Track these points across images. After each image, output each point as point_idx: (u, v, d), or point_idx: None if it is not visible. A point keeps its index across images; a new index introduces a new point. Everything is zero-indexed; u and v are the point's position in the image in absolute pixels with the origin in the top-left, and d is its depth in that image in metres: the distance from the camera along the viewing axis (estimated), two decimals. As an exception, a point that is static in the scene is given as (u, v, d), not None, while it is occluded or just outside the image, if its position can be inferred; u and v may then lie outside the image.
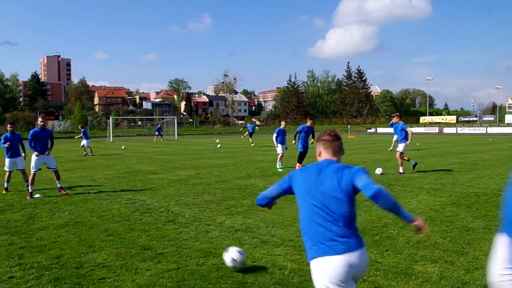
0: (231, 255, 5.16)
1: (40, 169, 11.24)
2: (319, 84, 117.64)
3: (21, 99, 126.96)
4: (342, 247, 2.87)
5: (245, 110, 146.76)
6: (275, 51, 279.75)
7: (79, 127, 28.22)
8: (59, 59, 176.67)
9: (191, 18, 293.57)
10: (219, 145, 33.36)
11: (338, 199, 2.95)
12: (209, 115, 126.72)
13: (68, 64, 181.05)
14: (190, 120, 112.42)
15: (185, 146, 35.92)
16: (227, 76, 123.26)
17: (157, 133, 49.67)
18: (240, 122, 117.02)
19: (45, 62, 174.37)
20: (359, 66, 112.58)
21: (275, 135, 16.36)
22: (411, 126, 75.19)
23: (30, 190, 10.82)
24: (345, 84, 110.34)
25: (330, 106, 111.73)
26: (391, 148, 25.07)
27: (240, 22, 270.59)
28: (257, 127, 35.56)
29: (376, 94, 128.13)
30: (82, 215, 8.56)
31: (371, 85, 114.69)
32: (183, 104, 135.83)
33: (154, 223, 7.74)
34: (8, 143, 11.38)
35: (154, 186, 12.22)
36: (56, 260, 5.68)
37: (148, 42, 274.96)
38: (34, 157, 11.08)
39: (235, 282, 4.86)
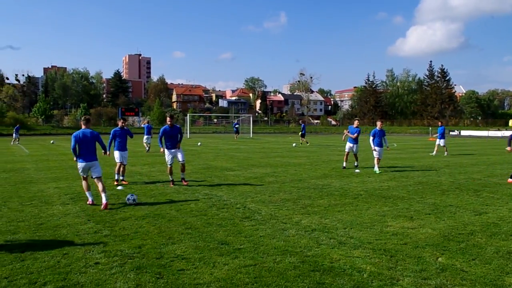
0: None
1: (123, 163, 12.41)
2: (398, 83, 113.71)
3: (104, 95, 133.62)
4: None
5: (320, 110, 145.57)
6: (352, 49, 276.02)
7: (146, 122, 27.89)
8: (140, 57, 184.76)
9: (267, 17, 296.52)
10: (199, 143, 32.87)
11: None
12: (284, 114, 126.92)
13: (148, 63, 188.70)
14: (265, 118, 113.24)
15: (260, 144, 36.19)
16: (304, 75, 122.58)
17: (234, 129, 49.54)
18: (316, 121, 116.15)
19: (127, 60, 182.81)
20: (442, 65, 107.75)
21: (371, 137, 15.36)
22: (498, 129, 70.51)
23: (117, 178, 12.22)
24: (426, 84, 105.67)
25: (410, 106, 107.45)
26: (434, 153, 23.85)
27: (316, 21, 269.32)
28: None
29: (460, 94, 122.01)
30: (161, 207, 8.83)
31: (455, 85, 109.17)
32: (258, 102, 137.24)
33: (231, 218, 7.82)
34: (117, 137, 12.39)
35: (230, 183, 12.39)
36: (137, 249, 5.88)
37: (224, 41, 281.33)
38: (117, 153, 12.25)
39: (313, 282, 4.77)
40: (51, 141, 27.11)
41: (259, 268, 5.15)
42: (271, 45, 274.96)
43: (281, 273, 5.01)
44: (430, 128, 73.71)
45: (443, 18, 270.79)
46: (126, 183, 12.24)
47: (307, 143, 34.99)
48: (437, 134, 23.97)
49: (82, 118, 9.68)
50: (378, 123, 15.69)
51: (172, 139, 11.71)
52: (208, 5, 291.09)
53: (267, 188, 11.44)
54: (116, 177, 12.33)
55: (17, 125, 39.27)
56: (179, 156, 11.80)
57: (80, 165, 9.11)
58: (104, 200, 8.80)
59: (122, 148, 12.38)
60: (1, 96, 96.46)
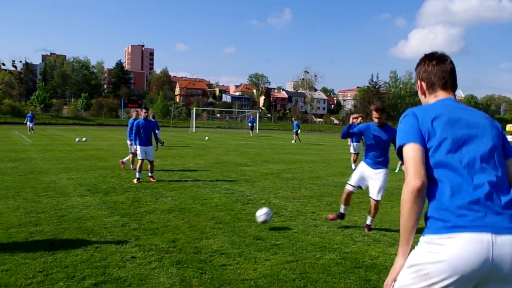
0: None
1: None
2: (401, 85, 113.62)
3: (105, 86, 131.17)
4: None
5: (323, 108, 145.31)
6: (355, 49, 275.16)
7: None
8: (143, 48, 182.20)
9: (272, 12, 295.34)
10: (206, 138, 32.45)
11: None
12: (288, 111, 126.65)
13: (151, 54, 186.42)
14: (268, 115, 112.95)
15: (267, 140, 36.04)
16: (308, 72, 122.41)
17: (250, 124, 47.20)
18: (319, 120, 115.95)
19: (130, 51, 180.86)
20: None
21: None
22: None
23: (138, 177, 11.04)
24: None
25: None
26: None
27: (320, 19, 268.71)
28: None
29: (459, 98, 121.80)
30: (185, 201, 8.65)
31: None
32: (262, 98, 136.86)
33: (259, 214, 7.65)
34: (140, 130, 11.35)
35: (248, 178, 12.21)
36: (172, 244, 5.70)
37: (227, 35, 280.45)
38: (139, 148, 11.34)
39: (359, 278, 4.64)
40: (77, 139, 26.53)
41: (302, 264, 4.99)
42: (274, 41, 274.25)
43: (325, 269, 4.85)
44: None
45: (444, 22, 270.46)
46: (154, 180, 11.14)
47: (294, 141, 33.97)
48: None
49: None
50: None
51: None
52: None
53: (287, 184, 11.27)
54: (137, 176, 10.96)
55: (31, 114, 36.43)
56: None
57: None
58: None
59: (145, 142, 11.30)
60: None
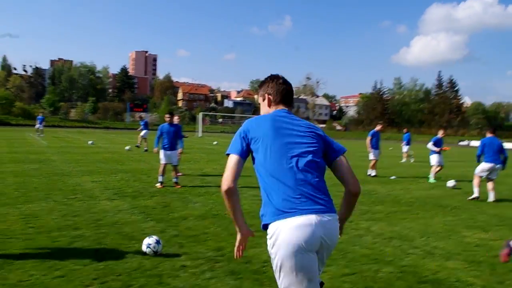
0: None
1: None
2: (405, 92, 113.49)
3: (110, 90, 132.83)
4: None
5: (325, 114, 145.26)
6: (357, 56, 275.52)
7: (139, 118, 27.07)
8: (147, 54, 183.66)
9: (272, 20, 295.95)
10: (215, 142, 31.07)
11: None
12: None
13: (155, 60, 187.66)
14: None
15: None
16: (310, 79, 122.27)
17: None
18: (321, 126, 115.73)
19: (134, 56, 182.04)
20: (451, 76, 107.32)
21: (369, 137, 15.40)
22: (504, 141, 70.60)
23: (161, 180, 10.92)
24: (434, 93, 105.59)
25: (417, 115, 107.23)
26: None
27: (321, 26, 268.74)
28: None
29: (466, 105, 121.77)
30: (215, 208, 8.50)
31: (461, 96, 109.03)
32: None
33: (296, 222, 7.48)
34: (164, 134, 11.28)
35: (271, 184, 12.02)
36: (218, 252, 5.55)
37: (228, 42, 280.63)
38: (161, 152, 11.19)
39: (425, 295, 4.47)
40: (89, 142, 26.38)
41: (362, 277, 4.82)
42: (275, 48, 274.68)
43: (388, 283, 4.69)
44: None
45: (447, 29, 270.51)
46: (179, 187, 10.92)
47: None
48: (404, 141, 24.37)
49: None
50: (379, 126, 15.91)
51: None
52: (211, 5, 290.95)
53: (313, 191, 11.08)
54: (160, 179, 10.88)
55: (41, 116, 35.90)
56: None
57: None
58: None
59: (170, 147, 11.15)
60: (8, 86, 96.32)
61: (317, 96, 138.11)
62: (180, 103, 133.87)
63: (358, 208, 9.04)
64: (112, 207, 8.15)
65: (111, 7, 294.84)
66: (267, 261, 5.25)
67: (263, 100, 2.98)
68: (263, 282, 4.58)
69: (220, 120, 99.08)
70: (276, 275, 2.59)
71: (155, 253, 5.26)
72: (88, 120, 78.83)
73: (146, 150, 22.67)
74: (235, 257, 2.87)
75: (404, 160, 23.54)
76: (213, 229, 6.75)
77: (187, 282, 4.48)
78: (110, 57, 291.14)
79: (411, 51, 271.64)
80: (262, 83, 3.01)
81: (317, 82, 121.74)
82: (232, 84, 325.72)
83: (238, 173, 2.70)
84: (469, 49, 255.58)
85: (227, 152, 2.77)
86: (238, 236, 2.85)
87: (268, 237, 2.60)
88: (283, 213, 2.52)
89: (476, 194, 10.66)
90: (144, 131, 24.28)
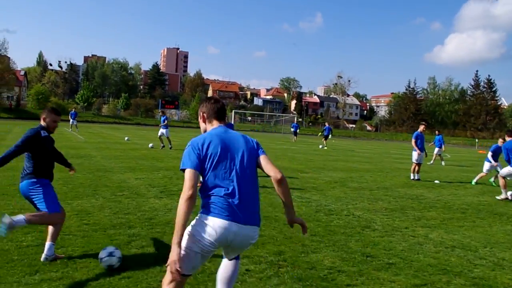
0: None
1: None
2: (440, 92, 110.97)
3: (141, 86, 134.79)
4: None
5: (356, 114, 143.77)
6: (389, 54, 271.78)
7: (161, 113, 24.49)
8: (178, 51, 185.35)
9: (303, 17, 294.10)
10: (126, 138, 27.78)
11: None
12: (319, 116, 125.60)
13: (186, 57, 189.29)
14: (300, 119, 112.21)
15: (309, 146, 35.44)
16: (341, 77, 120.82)
17: (293, 129, 43.84)
18: (351, 126, 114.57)
19: (165, 53, 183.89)
20: (489, 76, 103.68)
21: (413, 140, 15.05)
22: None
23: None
24: (470, 93, 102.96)
25: (451, 116, 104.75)
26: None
27: (352, 23, 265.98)
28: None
29: (503, 107, 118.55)
30: (265, 209, 8.22)
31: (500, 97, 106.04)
32: (293, 103, 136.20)
33: (350, 227, 7.28)
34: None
35: (315, 186, 11.84)
36: (279, 256, 5.41)
37: (258, 39, 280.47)
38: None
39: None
40: (126, 138, 26.52)
41: (434, 290, 4.62)
42: (305, 45, 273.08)
43: (464, 298, 4.47)
44: (477, 141, 71.65)
45: (484, 26, 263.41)
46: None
47: (322, 146, 33.44)
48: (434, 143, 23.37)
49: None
50: (421, 127, 15.43)
51: None
52: (242, 1, 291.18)
53: (360, 194, 10.84)
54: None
55: (74, 111, 36.24)
56: None
57: None
58: None
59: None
60: (44, 82, 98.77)
61: (348, 95, 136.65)
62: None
63: (410, 213, 8.79)
64: (161, 205, 8.13)
65: (144, 5, 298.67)
66: (332, 267, 5.12)
67: (201, 118, 3.52)
68: (333, 290, 4.42)
69: (249, 118, 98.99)
70: None
71: (111, 267, 4.62)
72: (120, 116, 79.91)
73: (163, 147, 21.67)
74: (172, 270, 2.86)
75: (431, 162, 22.49)
76: (268, 232, 6.62)
77: (255, 288, 4.36)
78: (142, 54, 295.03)
79: (446, 49, 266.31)
80: (200, 103, 3.58)
81: (349, 81, 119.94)
82: (261, 81, 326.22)
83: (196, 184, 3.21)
84: (507, 47, 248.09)
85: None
86: (176, 249, 2.90)
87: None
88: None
89: (505, 194, 11.31)
90: (165, 130, 21.73)
